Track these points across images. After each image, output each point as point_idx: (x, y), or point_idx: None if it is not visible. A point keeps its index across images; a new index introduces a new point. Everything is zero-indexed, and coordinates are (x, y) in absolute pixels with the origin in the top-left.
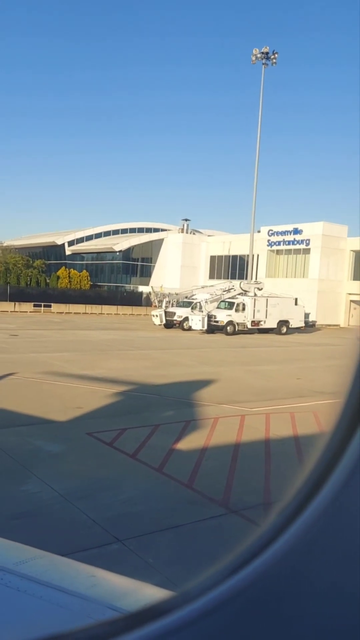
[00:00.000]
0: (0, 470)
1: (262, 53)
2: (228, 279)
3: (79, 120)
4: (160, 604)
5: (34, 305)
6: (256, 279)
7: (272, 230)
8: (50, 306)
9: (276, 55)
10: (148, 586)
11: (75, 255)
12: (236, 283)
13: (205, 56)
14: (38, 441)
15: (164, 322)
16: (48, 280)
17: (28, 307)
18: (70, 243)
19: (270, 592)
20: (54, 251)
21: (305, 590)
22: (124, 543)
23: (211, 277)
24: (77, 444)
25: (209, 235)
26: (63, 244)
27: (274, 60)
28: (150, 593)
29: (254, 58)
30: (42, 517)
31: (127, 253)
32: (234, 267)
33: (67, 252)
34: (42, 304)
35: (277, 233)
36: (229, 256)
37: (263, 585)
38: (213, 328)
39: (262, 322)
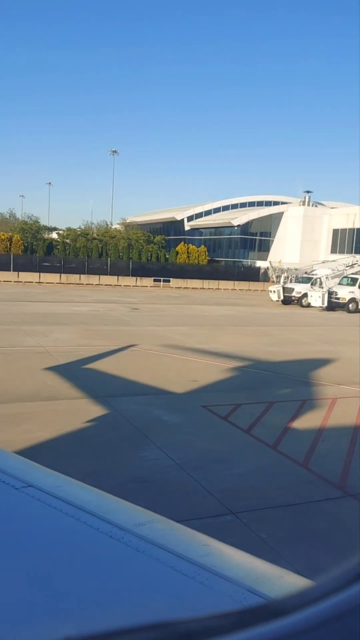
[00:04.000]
0: (122, 436)
1: None
2: (352, 253)
3: (198, 93)
4: (289, 598)
5: (154, 280)
6: None
7: None
8: (169, 281)
9: None
10: (257, 560)
11: (194, 230)
12: None
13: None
14: (156, 411)
15: (282, 298)
16: (167, 256)
17: (148, 281)
18: (190, 218)
19: None
20: (174, 227)
21: None
22: (237, 516)
23: (333, 251)
24: (193, 416)
25: (332, 208)
26: (182, 220)
27: None
28: (261, 568)
29: None
30: (160, 483)
31: (245, 227)
32: (358, 241)
33: (186, 228)
34: (162, 278)
35: None
36: (354, 229)
37: None
38: (334, 305)
39: None
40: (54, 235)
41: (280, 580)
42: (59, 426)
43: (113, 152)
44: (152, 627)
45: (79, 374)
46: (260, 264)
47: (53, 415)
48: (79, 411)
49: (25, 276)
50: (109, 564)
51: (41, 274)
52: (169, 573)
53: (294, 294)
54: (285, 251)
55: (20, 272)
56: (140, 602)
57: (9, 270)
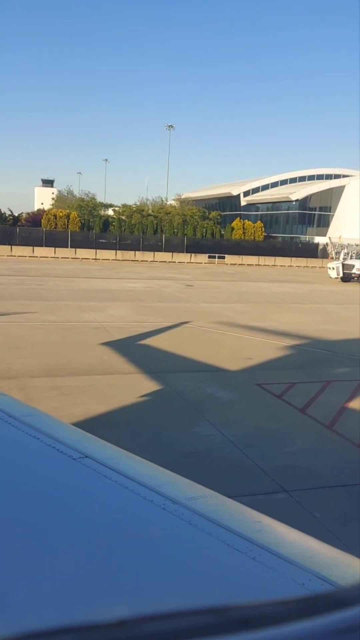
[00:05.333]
0: (175, 411)
1: None
2: None
3: (254, 65)
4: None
5: (209, 257)
6: None
7: None
8: (223, 257)
9: None
10: (311, 539)
11: (250, 205)
12: None
13: None
14: (210, 387)
15: (341, 275)
16: (222, 232)
17: (203, 258)
18: (246, 193)
19: None
20: (230, 202)
21: None
22: (291, 494)
23: None
24: (246, 394)
25: None
26: (238, 195)
27: None
28: (315, 547)
29: None
30: (213, 459)
31: (303, 202)
32: None
33: (242, 203)
34: (216, 255)
35: None
36: None
37: None
38: None
39: None
40: (110, 212)
41: (335, 561)
42: (114, 400)
43: (169, 126)
44: (208, 611)
45: (133, 349)
46: (319, 239)
47: (108, 389)
48: (133, 386)
49: (82, 253)
50: (162, 536)
51: (97, 250)
52: (221, 548)
53: (354, 270)
54: (345, 226)
55: (77, 249)
56: (193, 578)
57: (67, 247)
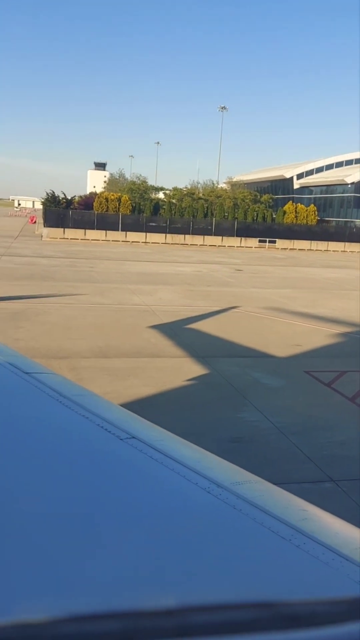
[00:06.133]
0: (221, 396)
1: None
2: None
3: (309, 44)
4: None
5: (259, 241)
6: None
7: None
8: (274, 242)
9: None
10: (356, 529)
11: (303, 188)
12: None
13: None
14: (256, 373)
15: None
16: (274, 216)
17: (253, 242)
18: (299, 176)
19: None
20: (282, 185)
21: None
22: (338, 483)
23: None
24: (294, 381)
25: None
26: (291, 177)
27: None
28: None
29: None
30: (258, 445)
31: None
32: None
33: (295, 186)
34: (267, 239)
35: None
36: None
37: None
38: None
39: None
40: (161, 195)
41: None
42: (161, 383)
43: (222, 108)
44: (255, 605)
45: (181, 333)
46: None
47: (156, 372)
48: (180, 369)
49: (132, 236)
50: (207, 520)
51: (147, 234)
52: (265, 534)
53: None
54: None
55: (127, 232)
56: (238, 565)
57: (118, 230)
